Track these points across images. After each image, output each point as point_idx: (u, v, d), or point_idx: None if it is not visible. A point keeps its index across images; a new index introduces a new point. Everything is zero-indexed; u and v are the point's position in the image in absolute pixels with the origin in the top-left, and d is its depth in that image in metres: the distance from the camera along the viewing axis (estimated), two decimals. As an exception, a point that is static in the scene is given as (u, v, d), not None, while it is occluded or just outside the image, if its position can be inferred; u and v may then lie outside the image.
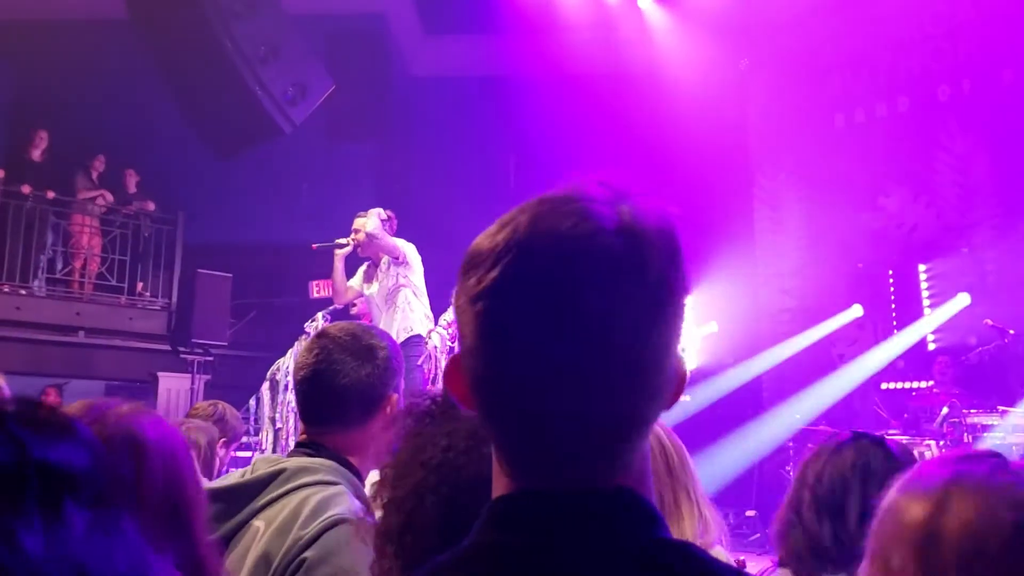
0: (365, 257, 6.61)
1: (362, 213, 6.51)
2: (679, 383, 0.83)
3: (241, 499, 1.81)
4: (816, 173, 10.38)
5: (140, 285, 10.69)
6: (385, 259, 6.51)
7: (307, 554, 1.66)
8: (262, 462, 1.88)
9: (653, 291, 0.78)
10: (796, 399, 9.55)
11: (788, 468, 8.43)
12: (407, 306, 6.42)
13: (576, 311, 0.76)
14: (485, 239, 0.80)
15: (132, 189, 11.00)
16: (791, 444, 8.74)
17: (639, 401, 0.79)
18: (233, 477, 1.92)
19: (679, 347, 0.82)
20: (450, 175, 10.74)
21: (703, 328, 10.59)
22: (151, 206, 10.94)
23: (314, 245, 6.67)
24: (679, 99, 10.10)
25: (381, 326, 6.29)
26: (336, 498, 1.75)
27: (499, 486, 0.83)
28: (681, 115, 9.99)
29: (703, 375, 10.36)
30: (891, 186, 9.92)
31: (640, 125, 10.24)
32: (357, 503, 1.75)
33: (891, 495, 1.10)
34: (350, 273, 6.73)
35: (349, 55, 11.90)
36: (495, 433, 0.82)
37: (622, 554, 0.77)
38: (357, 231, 6.46)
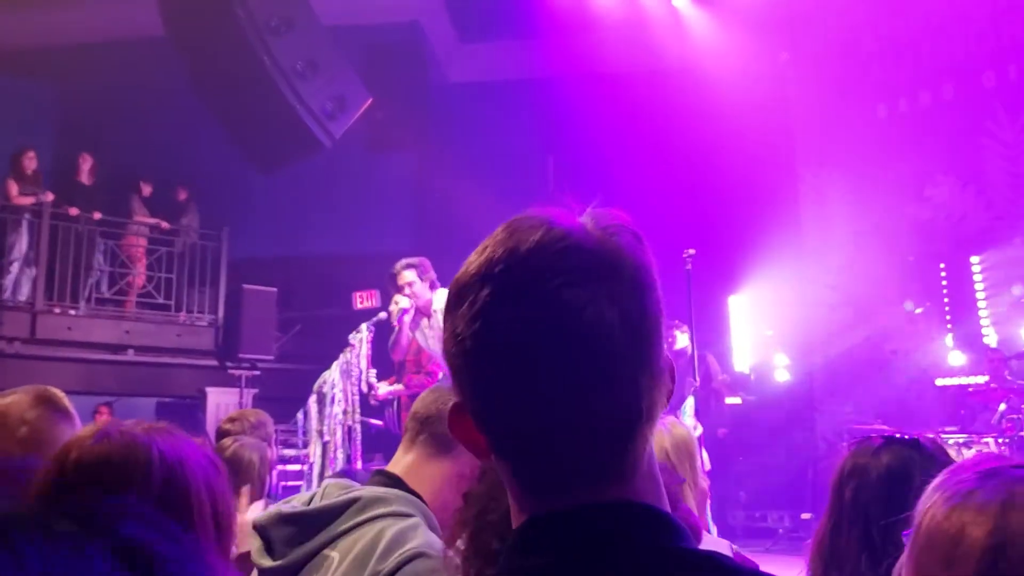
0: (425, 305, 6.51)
1: (399, 268, 6.39)
2: (671, 372, 0.85)
3: (314, 526, 1.78)
4: (861, 166, 10.20)
5: (183, 314, 10.85)
6: (439, 312, 6.46)
7: None
8: (333, 487, 1.85)
9: (632, 281, 0.81)
10: (849, 397, 9.39)
11: (842, 468, 8.28)
12: None
13: (568, 312, 0.78)
14: (465, 269, 0.83)
15: (181, 205, 11.22)
16: (845, 444, 8.57)
17: (640, 394, 0.81)
18: (302, 499, 1.89)
19: (664, 336, 0.84)
20: (489, 180, 10.72)
21: (753, 327, 10.48)
22: (195, 222, 11.13)
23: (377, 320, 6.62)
24: (718, 96, 9.99)
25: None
26: (413, 531, 1.70)
27: (519, 515, 0.84)
28: (721, 112, 9.88)
29: (755, 375, 10.26)
30: (938, 176, 9.72)
31: (679, 123, 10.15)
32: (433, 536, 1.71)
33: (935, 509, 1.06)
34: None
35: (386, 65, 11.97)
36: (507, 464, 0.83)
37: (644, 568, 0.77)
38: (411, 283, 6.32)
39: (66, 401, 2.21)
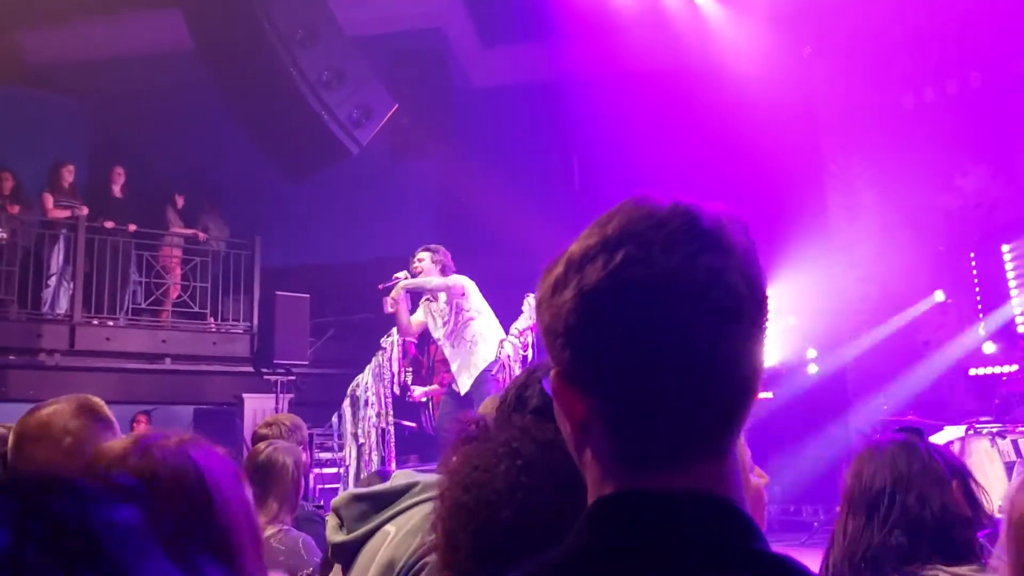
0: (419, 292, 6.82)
1: (425, 248, 6.76)
2: (760, 378, 0.86)
3: (380, 503, 1.95)
4: (888, 156, 10.13)
5: (211, 321, 11.01)
6: (442, 296, 6.71)
7: (430, 558, 1.71)
8: (401, 475, 2.02)
9: (750, 257, 0.83)
10: (882, 389, 9.33)
11: (877, 460, 8.23)
12: (479, 339, 6.60)
13: (699, 275, 0.79)
14: (586, 240, 0.84)
15: (206, 216, 11.38)
16: (879, 436, 8.52)
17: (751, 373, 0.82)
18: (371, 482, 2.07)
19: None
20: (515, 183, 10.79)
21: (782, 321, 10.44)
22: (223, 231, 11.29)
23: (380, 285, 6.85)
24: (742, 91, 9.97)
25: (455, 365, 6.55)
26: None
27: (601, 487, 0.84)
28: (746, 107, 9.86)
29: (785, 369, 10.21)
30: (967, 165, 9.64)
31: (704, 120, 10.14)
32: None
33: (1014, 502, 1.10)
34: (413, 306, 6.93)
35: (410, 72, 12.08)
36: (605, 432, 0.83)
37: (725, 565, 0.78)
38: (420, 260, 6.68)
39: (107, 410, 2.23)
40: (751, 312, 0.81)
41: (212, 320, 11.04)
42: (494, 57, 12.69)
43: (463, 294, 6.64)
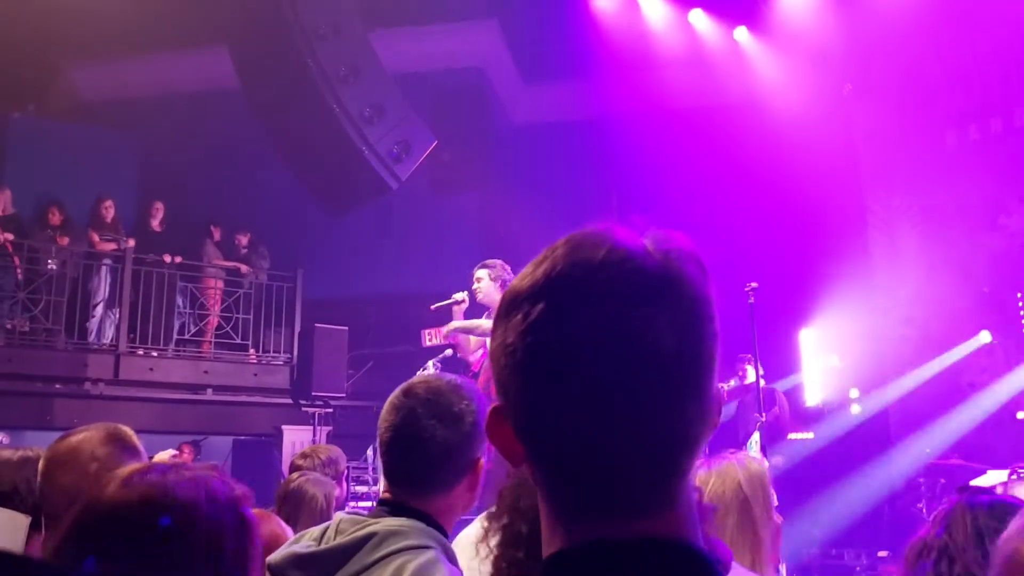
0: (483, 306, 6.69)
1: (482, 265, 6.60)
2: (718, 405, 0.83)
3: (332, 565, 1.74)
4: (931, 195, 10.02)
5: (252, 353, 11.13)
6: None
7: None
8: (347, 522, 1.82)
9: (692, 307, 0.79)
10: (925, 432, 9.16)
11: (920, 505, 8.07)
12: None
13: (624, 333, 0.76)
14: (522, 281, 0.82)
15: (243, 249, 11.53)
16: (922, 480, 8.36)
17: (690, 423, 0.79)
18: (313, 534, 1.86)
19: (716, 368, 0.82)
20: (554, 219, 10.81)
21: (824, 361, 10.31)
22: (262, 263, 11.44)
23: (433, 306, 6.81)
24: (783, 129, 9.95)
25: None
26: (432, 566, 1.68)
27: (552, 539, 0.81)
28: (786, 145, 9.83)
29: (827, 410, 10.07)
30: (1012, 203, 9.50)
31: (744, 158, 10.13)
32: (451, 567, 1.72)
33: (1009, 541, 1.08)
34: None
35: (451, 109, 12.23)
36: (545, 479, 0.81)
37: None
38: (479, 280, 6.54)
39: (135, 439, 2.25)
40: (676, 370, 0.78)
41: (253, 352, 11.17)
42: (534, 94, 12.80)
43: None
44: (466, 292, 6.63)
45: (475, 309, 6.75)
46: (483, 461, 1.88)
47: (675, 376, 0.78)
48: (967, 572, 1.88)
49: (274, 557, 1.81)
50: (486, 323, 6.52)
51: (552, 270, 0.80)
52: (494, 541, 1.28)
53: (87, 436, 2.15)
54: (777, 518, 2.50)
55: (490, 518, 1.34)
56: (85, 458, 2.10)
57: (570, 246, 0.81)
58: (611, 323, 0.76)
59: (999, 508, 1.95)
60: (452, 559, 1.76)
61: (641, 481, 0.78)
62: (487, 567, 1.31)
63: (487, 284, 6.49)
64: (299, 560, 1.78)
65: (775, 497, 2.54)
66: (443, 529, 1.84)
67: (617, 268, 0.78)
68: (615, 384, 0.76)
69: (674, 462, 0.79)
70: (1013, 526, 1.11)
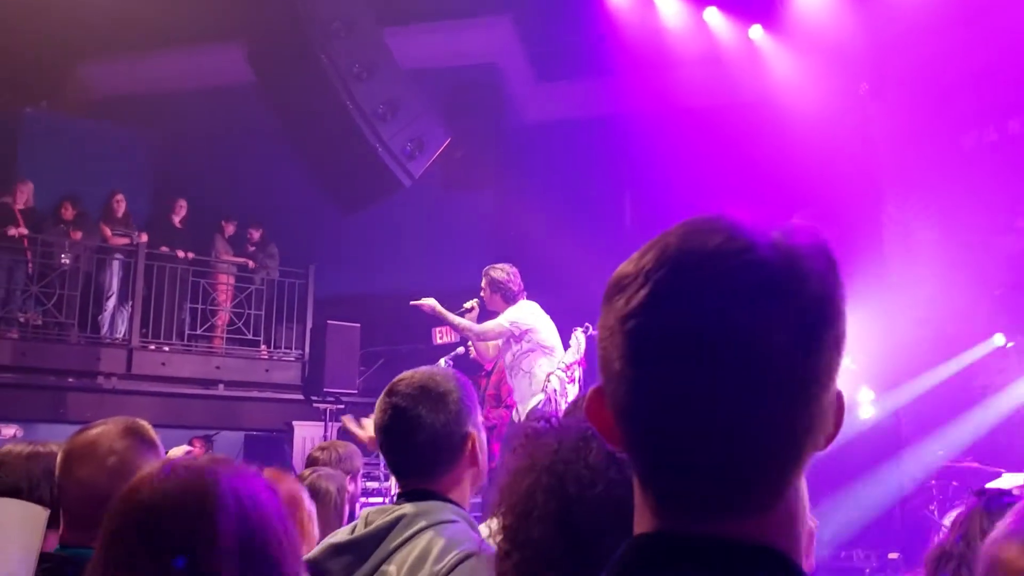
0: (493, 311, 6.71)
1: (484, 271, 6.66)
2: (838, 415, 0.79)
3: (367, 549, 1.85)
4: (947, 196, 9.96)
5: (264, 349, 11.15)
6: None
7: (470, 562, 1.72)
8: (375, 513, 1.93)
9: (811, 309, 0.75)
10: (938, 434, 9.11)
11: (932, 508, 8.03)
12: (537, 371, 6.47)
13: (729, 328, 0.72)
14: (630, 263, 0.78)
15: (252, 245, 11.55)
16: (934, 482, 8.32)
17: (794, 431, 0.75)
18: (344, 530, 1.97)
19: (837, 377, 0.77)
20: (567, 217, 10.81)
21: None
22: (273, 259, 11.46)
23: (412, 302, 6.85)
24: (797, 128, 9.90)
25: (517, 395, 6.50)
26: (461, 534, 1.80)
27: (641, 521, 0.80)
28: (801, 145, 9.78)
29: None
30: (1030, 206, 9.44)
31: (758, 157, 10.08)
32: (479, 537, 1.80)
33: (993, 544, 1.07)
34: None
35: (464, 106, 12.22)
36: (639, 464, 0.79)
37: None
38: (483, 288, 6.62)
39: (153, 433, 2.26)
40: (783, 370, 0.73)
41: (265, 348, 11.19)
42: (548, 92, 12.78)
43: (523, 333, 6.50)
44: (476, 300, 6.68)
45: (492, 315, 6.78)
46: (475, 433, 1.96)
47: (783, 379, 0.74)
48: None
49: (312, 553, 1.91)
50: (473, 325, 6.59)
51: (662, 254, 0.76)
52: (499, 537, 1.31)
53: (105, 430, 2.16)
54: (812, 522, 2.48)
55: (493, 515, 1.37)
56: (103, 452, 2.10)
57: (685, 230, 0.78)
58: (716, 316, 0.73)
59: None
60: (476, 530, 1.86)
61: (732, 481, 0.75)
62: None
63: (487, 292, 6.57)
64: (335, 549, 1.88)
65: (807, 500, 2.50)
66: (460, 505, 1.94)
67: (733, 258, 0.74)
68: (714, 380, 0.73)
69: (772, 468, 0.76)
70: (998, 529, 1.09)
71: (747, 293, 0.73)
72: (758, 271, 0.74)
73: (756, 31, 11.05)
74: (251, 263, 11.34)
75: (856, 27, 10.23)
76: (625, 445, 0.79)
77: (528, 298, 6.70)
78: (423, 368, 2.05)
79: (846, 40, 10.31)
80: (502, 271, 6.60)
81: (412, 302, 6.71)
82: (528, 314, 6.50)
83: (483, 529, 1.78)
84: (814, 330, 0.75)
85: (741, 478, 0.75)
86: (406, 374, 2.03)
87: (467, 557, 1.73)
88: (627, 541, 0.80)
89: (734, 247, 0.75)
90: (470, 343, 6.91)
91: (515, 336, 6.46)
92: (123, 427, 2.19)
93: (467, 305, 6.73)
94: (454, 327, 6.58)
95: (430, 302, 6.61)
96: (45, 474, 2.34)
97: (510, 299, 6.53)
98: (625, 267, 0.78)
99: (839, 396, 0.79)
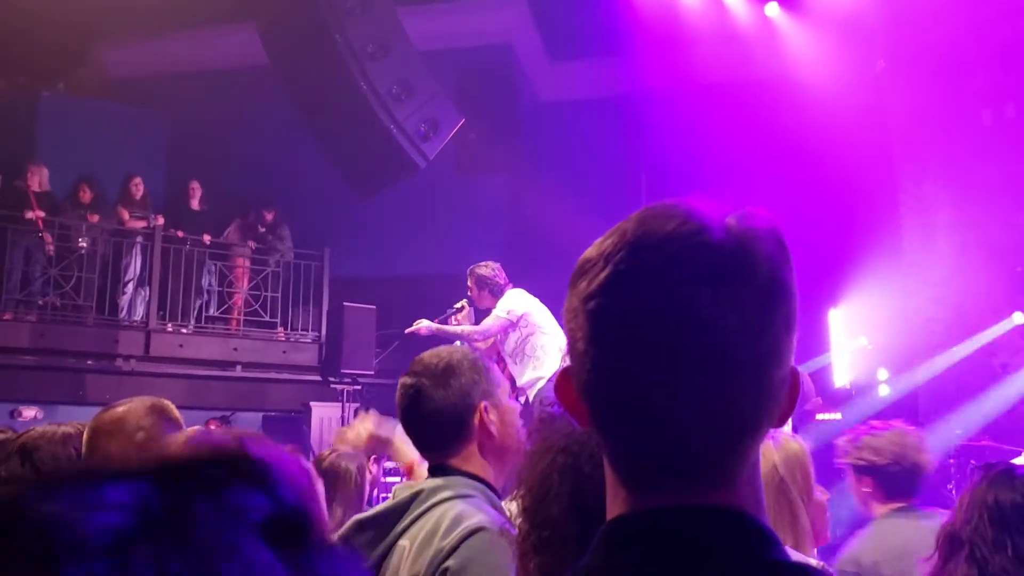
0: (485, 309, 6.87)
1: (472, 269, 6.84)
2: (792, 392, 0.82)
3: (387, 523, 1.91)
4: (965, 174, 9.87)
5: (280, 331, 11.20)
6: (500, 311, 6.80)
7: (448, 563, 1.74)
8: (401, 489, 1.99)
9: (764, 289, 0.78)
10: (956, 414, 9.07)
11: (950, 486, 8.00)
12: (540, 353, 6.59)
13: (685, 308, 0.76)
14: (593, 248, 0.82)
15: (262, 228, 11.57)
16: (952, 461, 8.29)
17: (751, 405, 0.78)
18: (376, 508, 2.04)
19: (791, 356, 0.81)
20: (582, 197, 10.78)
21: (853, 342, 10.23)
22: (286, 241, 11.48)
23: (435, 320, 6.94)
24: (814, 106, 9.82)
25: (521, 381, 6.58)
26: (472, 508, 1.83)
27: (613, 504, 0.82)
28: (817, 122, 9.70)
29: (856, 391, 9.99)
30: (1049, 183, 9.35)
31: (774, 135, 10.02)
32: (494, 512, 1.83)
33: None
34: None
35: (478, 87, 12.17)
36: (607, 443, 0.82)
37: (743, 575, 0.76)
38: (470, 289, 6.81)
39: (176, 412, 2.34)
40: (736, 349, 0.76)
41: (281, 330, 11.25)
42: (562, 72, 12.72)
43: (519, 320, 6.62)
44: (465, 300, 6.81)
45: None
46: (484, 404, 1.98)
47: (733, 358, 0.77)
48: (994, 554, 1.88)
49: (342, 530, 2.01)
50: (467, 328, 6.70)
51: (621, 238, 0.80)
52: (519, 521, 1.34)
53: (132, 407, 2.20)
54: (822, 494, 2.48)
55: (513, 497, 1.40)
56: (131, 428, 2.15)
57: (643, 216, 0.81)
58: (669, 297, 0.76)
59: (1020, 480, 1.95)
60: (497, 508, 1.88)
61: (695, 456, 0.78)
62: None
63: (475, 291, 6.75)
64: (360, 525, 1.96)
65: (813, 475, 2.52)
66: (489, 485, 1.97)
67: (684, 241, 0.78)
68: (669, 357, 0.76)
69: (729, 442, 0.79)
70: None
71: (699, 274, 0.76)
72: (710, 253, 0.77)
73: (772, 8, 10.95)
74: (252, 244, 11.30)
75: (872, 4, 10.12)
76: (592, 424, 0.82)
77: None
78: (439, 347, 2.11)
79: (863, 17, 10.21)
80: (487, 267, 6.80)
81: (407, 330, 6.85)
82: (518, 300, 6.68)
83: (512, 506, 1.79)
84: (764, 311, 0.78)
85: (701, 452, 0.78)
86: (424, 353, 2.08)
87: (475, 531, 1.75)
88: (602, 527, 0.82)
89: (688, 230, 0.78)
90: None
91: (512, 324, 6.58)
92: (149, 405, 2.23)
93: (457, 305, 6.90)
94: (458, 337, 6.61)
95: (424, 324, 6.76)
96: (80, 456, 2.38)
97: (498, 293, 6.75)
98: (588, 252, 0.82)
99: (793, 374, 0.82)
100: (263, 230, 11.50)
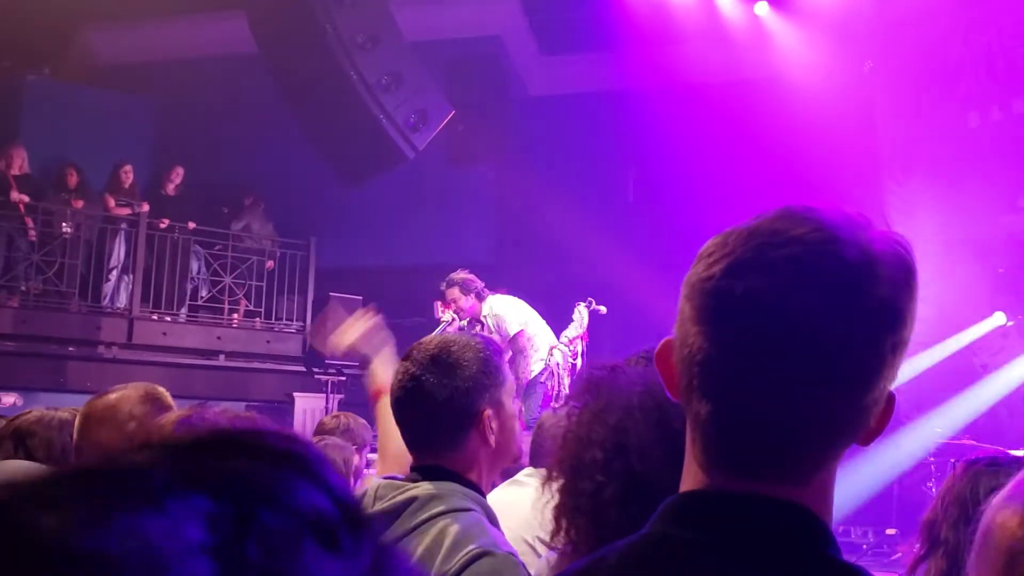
0: (472, 314, 6.97)
1: (444, 286, 7.03)
2: (883, 416, 0.84)
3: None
4: (950, 176, 9.95)
5: (258, 321, 11.16)
6: (487, 311, 6.92)
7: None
8: (385, 487, 1.81)
9: (876, 312, 0.79)
10: (937, 412, 9.14)
11: (930, 484, 8.07)
12: (528, 349, 6.69)
13: (796, 310, 0.77)
14: (721, 235, 0.84)
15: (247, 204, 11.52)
16: (932, 459, 8.35)
17: (842, 419, 0.81)
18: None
19: (891, 381, 0.82)
20: (570, 192, 10.80)
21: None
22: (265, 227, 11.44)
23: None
24: (801, 106, 9.87)
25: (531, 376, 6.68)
26: (475, 528, 1.69)
27: (688, 479, 0.85)
28: (804, 122, 9.75)
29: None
30: (1033, 186, 9.43)
31: (761, 134, 10.06)
32: (497, 532, 1.72)
33: (988, 513, 1.09)
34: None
35: (467, 79, 12.15)
36: (694, 420, 0.84)
37: (795, 566, 0.79)
38: (455, 300, 6.92)
39: (170, 399, 2.30)
40: (836, 361, 0.78)
41: (266, 319, 11.19)
42: (552, 66, 12.71)
43: (506, 329, 6.80)
44: (451, 313, 6.95)
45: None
46: (490, 413, 1.81)
47: (827, 370, 0.78)
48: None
49: None
50: (514, 352, 6.80)
51: (753, 231, 0.81)
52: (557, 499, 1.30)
53: (125, 394, 2.17)
54: None
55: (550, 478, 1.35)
56: (123, 416, 2.12)
57: (780, 212, 0.83)
58: (784, 295, 0.78)
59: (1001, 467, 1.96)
60: (493, 520, 1.76)
61: (781, 452, 0.81)
62: (548, 513, 1.33)
63: (463, 301, 6.83)
64: None
65: None
66: (478, 488, 1.82)
67: (811, 248, 0.79)
68: (767, 357, 0.78)
69: (816, 447, 0.82)
70: (998, 497, 1.10)
71: (818, 282, 0.78)
72: (834, 264, 0.78)
73: (762, 7, 10.99)
74: (222, 230, 11.22)
75: (861, 5, 10.18)
76: (683, 397, 0.85)
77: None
78: (448, 334, 1.98)
79: (852, 18, 10.27)
80: (464, 274, 6.99)
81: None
82: (505, 309, 6.90)
83: (530, 481, 1.72)
84: (873, 333, 0.79)
85: (788, 450, 0.81)
86: (426, 339, 1.93)
87: (480, 556, 1.62)
88: (671, 497, 0.85)
89: (818, 237, 0.79)
90: (476, 320, 7.01)
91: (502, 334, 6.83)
92: (143, 392, 2.21)
93: (446, 318, 6.98)
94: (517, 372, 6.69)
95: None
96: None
97: (481, 295, 6.88)
98: (717, 238, 0.84)
99: (890, 398, 0.84)
100: (226, 211, 11.39)
